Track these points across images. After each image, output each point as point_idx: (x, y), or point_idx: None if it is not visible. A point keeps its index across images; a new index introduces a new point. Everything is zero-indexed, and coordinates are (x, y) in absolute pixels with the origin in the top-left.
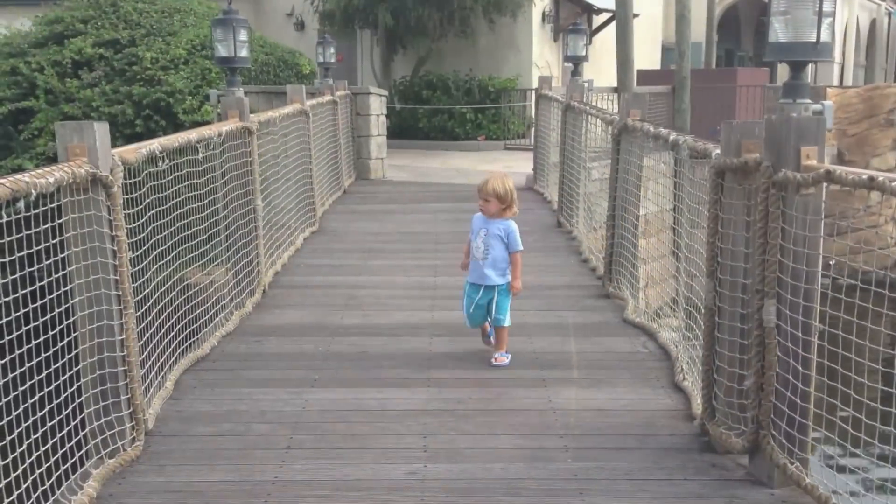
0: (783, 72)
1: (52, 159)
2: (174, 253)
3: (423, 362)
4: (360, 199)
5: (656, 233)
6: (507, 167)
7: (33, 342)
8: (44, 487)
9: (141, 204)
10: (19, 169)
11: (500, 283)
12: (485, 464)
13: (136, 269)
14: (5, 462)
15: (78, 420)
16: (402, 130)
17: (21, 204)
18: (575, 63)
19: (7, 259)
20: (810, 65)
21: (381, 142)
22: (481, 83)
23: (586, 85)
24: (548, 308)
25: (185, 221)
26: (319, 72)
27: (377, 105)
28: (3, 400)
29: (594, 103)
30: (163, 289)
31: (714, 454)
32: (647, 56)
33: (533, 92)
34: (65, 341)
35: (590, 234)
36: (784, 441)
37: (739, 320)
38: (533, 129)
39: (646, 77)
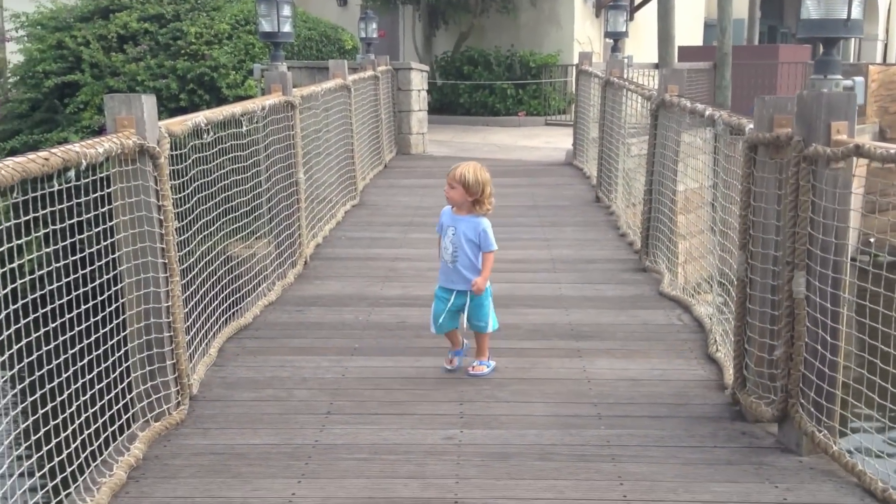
0: None
1: (98, 133)
2: (218, 224)
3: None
4: (400, 173)
5: (695, 209)
6: (547, 143)
7: (83, 307)
8: (92, 448)
9: (186, 175)
10: (65, 142)
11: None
12: (519, 430)
13: (182, 238)
14: (56, 422)
15: (125, 384)
16: (443, 106)
17: (72, 173)
18: (615, 39)
19: (58, 226)
20: (852, 42)
21: (422, 117)
22: (522, 59)
23: (626, 61)
24: (585, 281)
25: (229, 193)
26: (361, 47)
27: (418, 80)
28: (54, 362)
29: (634, 79)
30: (206, 258)
31: (744, 423)
32: (689, 32)
33: (574, 68)
34: (112, 307)
35: (628, 209)
36: (812, 409)
37: (770, 292)
38: (573, 105)
39: (687, 53)
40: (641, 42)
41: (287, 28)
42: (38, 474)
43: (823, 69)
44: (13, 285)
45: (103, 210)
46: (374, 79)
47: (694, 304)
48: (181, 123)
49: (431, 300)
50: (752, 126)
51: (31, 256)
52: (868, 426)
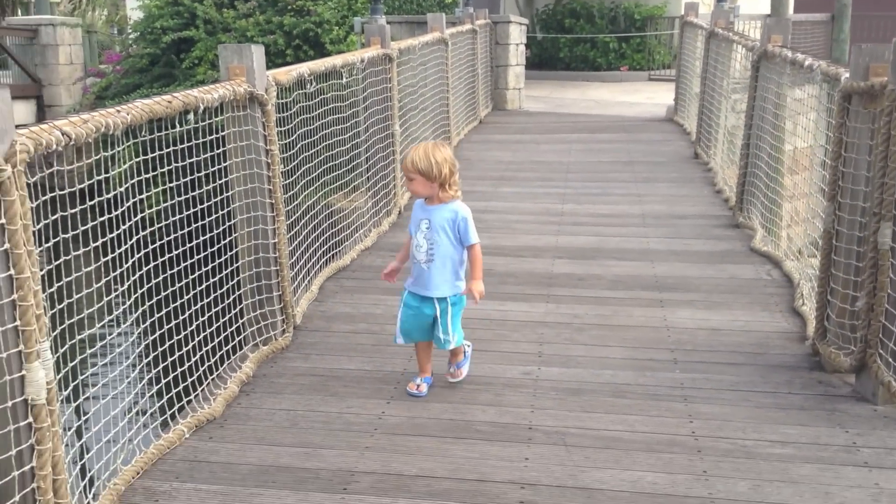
0: None
1: None
2: (318, 172)
3: (545, 280)
4: (495, 128)
5: (802, 170)
6: (648, 98)
7: (202, 238)
8: (209, 363)
9: (290, 123)
10: None
11: (449, 293)
12: (595, 370)
13: (286, 182)
14: (178, 338)
15: (237, 310)
16: (542, 61)
17: (191, 116)
18: None
19: (180, 164)
20: None
21: (520, 72)
22: (627, 11)
23: (732, 11)
24: (675, 236)
25: (329, 142)
26: (461, 0)
27: (517, 34)
28: (175, 286)
29: (741, 31)
30: (307, 204)
31: (822, 372)
32: None
33: (680, 19)
34: (227, 240)
35: (728, 168)
36: (890, 360)
37: (856, 243)
38: (677, 59)
39: (804, 4)
40: None
41: None
42: (163, 381)
43: None
44: (142, 214)
45: (218, 151)
46: (471, 32)
47: (784, 259)
48: (287, 73)
49: (517, 250)
50: (847, 75)
51: (156, 189)
52: None
